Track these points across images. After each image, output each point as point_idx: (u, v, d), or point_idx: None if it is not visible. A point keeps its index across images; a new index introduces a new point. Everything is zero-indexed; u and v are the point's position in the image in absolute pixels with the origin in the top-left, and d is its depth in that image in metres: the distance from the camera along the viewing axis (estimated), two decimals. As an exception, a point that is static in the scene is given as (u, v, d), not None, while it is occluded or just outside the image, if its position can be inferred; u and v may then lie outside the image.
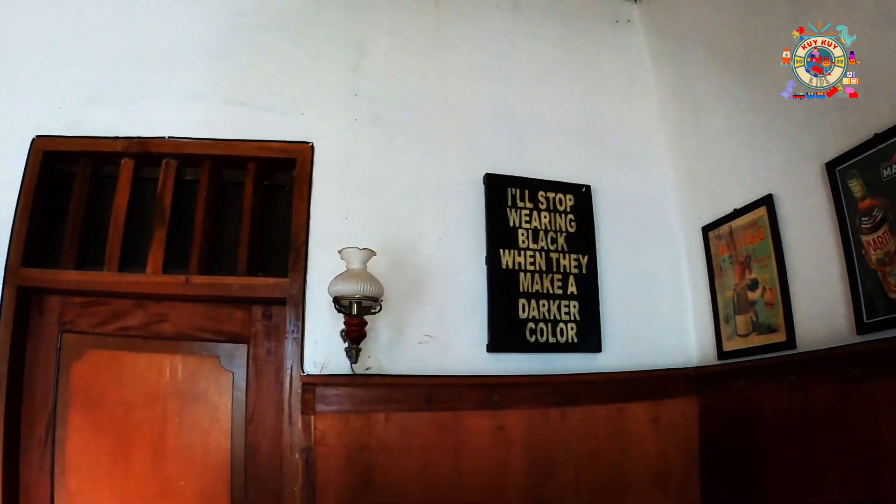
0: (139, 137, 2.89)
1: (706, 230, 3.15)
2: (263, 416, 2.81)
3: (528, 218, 3.11)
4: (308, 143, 2.99)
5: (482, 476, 2.77)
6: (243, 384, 2.84)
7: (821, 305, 2.50)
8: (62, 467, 2.70)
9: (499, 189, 3.10)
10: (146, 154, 2.91)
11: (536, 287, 3.04)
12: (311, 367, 2.74)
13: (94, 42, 3.00)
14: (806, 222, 2.59)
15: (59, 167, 2.93)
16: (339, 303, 2.65)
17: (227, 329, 2.87)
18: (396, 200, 3.03)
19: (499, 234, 3.05)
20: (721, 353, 3.02)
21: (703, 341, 3.18)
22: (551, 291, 3.06)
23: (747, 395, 2.80)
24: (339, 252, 2.65)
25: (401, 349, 2.84)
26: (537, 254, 3.08)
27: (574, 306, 3.07)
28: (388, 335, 2.85)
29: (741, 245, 2.91)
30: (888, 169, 2.20)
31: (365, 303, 2.63)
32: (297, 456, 2.64)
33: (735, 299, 2.94)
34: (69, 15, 3.02)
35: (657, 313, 3.24)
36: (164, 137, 2.91)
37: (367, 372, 2.76)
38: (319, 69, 3.14)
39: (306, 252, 2.85)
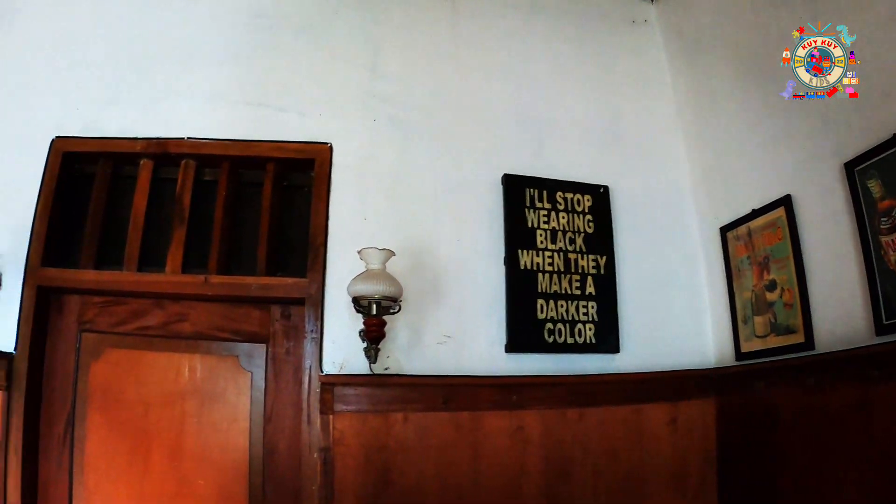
0: (158, 138, 2.98)
1: (724, 231, 3.18)
2: (282, 415, 2.88)
3: (546, 218, 3.17)
4: (326, 143, 3.07)
5: (500, 476, 2.83)
6: (262, 384, 2.91)
7: (839, 306, 2.52)
8: (81, 465, 2.77)
9: (517, 190, 3.16)
10: (165, 155, 3.00)
11: (555, 287, 3.10)
12: (329, 367, 2.81)
13: (112, 43, 3.10)
14: (824, 223, 2.61)
15: (78, 168, 3.01)
16: (359, 303, 2.71)
17: (246, 329, 2.95)
18: (415, 201, 3.09)
19: (517, 235, 3.11)
20: (739, 355, 3.05)
21: (720, 342, 3.21)
22: (569, 292, 3.11)
23: (765, 396, 2.82)
24: (359, 252, 2.71)
25: (419, 349, 2.91)
26: (555, 254, 3.14)
27: (592, 307, 3.13)
28: (407, 335, 2.91)
29: (759, 246, 2.94)
30: (907, 169, 2.22)
31: (384, 303, 2.70)
32: (315, 455, 2.70)
33: (753, 300, 2.97)
34: (88, 16, 3.12)
35: (675, 314, 3.29)
36: (182, 138, 2.99)
37: (386, 372, 2.83)
38: (337, 70, 3.22)
39: (325, 252, 2.92)
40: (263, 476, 2.84)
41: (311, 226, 2.97)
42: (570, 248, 3.19)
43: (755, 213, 2.97)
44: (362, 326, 2.75)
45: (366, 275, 2.68)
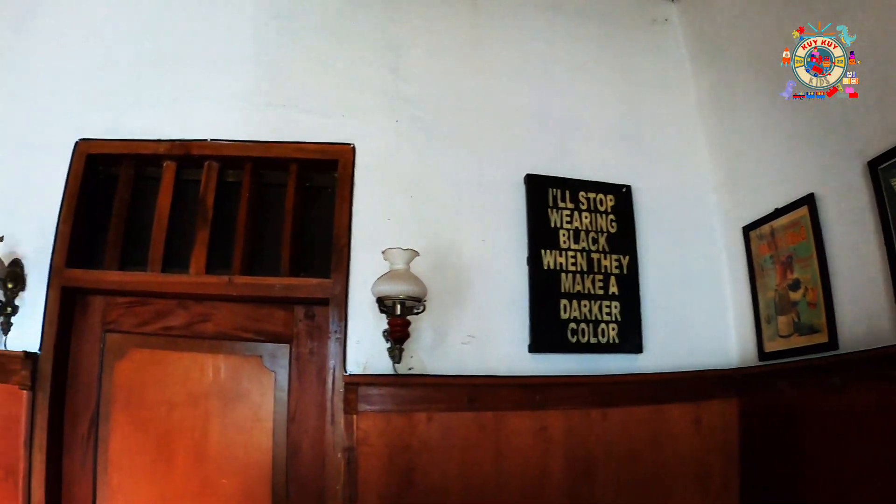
0: (181, 140, 3.08)
1: (747, 230, 3.21)
2: (306, 415, 2.96)
3: (569, 218, 3.24)
4: (349, 144, 3.15)
5: (523, 476, 2.89)
6: (285, 384, 3.00)
7: (863, 306, 2.54)
8: (104, 464, 2.87)
9: (540, 190, 3.23)
10: (188, 156, 3.09)
11: (578, 287, 3.16)
12: (353, 367, 2.88)
13: (135, 45, 3.21)
14: (848, 222, 2.64)
15: (102, 169, 3.12)
16: (383, 303, 2.78)
17: (270, 329, 3.03)
18: (438, 201, 3.17)
19: (540, 235, 3.18)
20: (762, 355, 3.08)
21: (744, 342, 3.25)
22: (593, 292, 3.18)
23: (789, 396, 2.85)
24: (383, 253, 2.79)
25: (443, 349, 2.97)
26: (578, 254, 3.21)
27: (615, 307, 3.19)
28: (431, 335, 2.98)
29: (782, 245, 2.97)
30: (932, 167, 2.26)
31: (408, 303, 2.77)
32: (339, 455, 2.77)
33: (776, 300, 3.00)
34: (110, 19, 3.24)
35: (698, 314, 3.33)
36: (205, 140, 3.09)
37: (410, 372, 2.90)
38: (359, 71, 3.31)
39: (349, 252, 3.00)
40: (287, 476, 2.91)
41: (334, 226, 3.04)
42: (592, 247, 3.25)
43: (778, 212, 3.00)
44: (386, 326, 2.83)
45: (390, 275, 2.75)
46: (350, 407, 2.82)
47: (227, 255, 3.04)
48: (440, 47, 3.44)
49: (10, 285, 2.85)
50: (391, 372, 2.86)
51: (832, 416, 2.61)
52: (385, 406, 2.85)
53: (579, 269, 3.20)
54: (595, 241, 3.26)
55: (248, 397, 3.00)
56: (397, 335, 2.79)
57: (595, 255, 3.24)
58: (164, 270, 2.98)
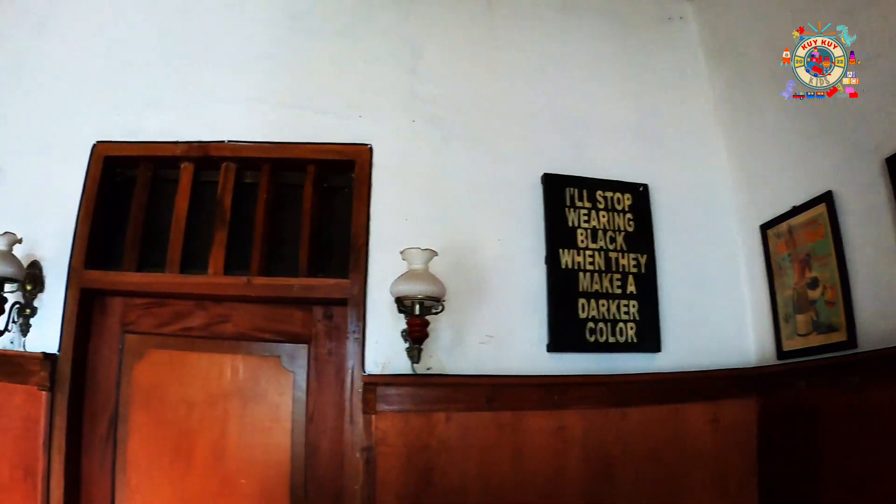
0: (198, 142, 3.15)
1: (764, 228, 3.23)
2: (324, 415, 3.01)
3: (586, 217, 3.27)
4: (366, 144, 3.21)
5: (541, 476, 2.92)
6: (304, 384, 3.05)
7: (883, 304, 2.55)
8: (123, 464, 2.93)
9: (557, 189, 3.27)
10: (206, 158, 3.16)
11: (596, 287, 3.20)
12: (371, 367, 2.93)
13: (151, 48, 3.29)
14: (867, 219, 2.64)
15: (119, 172, 3.19)
16: (402, 303, 2.82)
17: (288, 329, 3.09)
18: (455, 201, 3.21)
19: (558, 234, 3.21)
20: (781, 353, 3.09)
21: (761, 341, 3.26)
22: (610, 291, 3.21)
23: (807, 395, 2.86)
24: (402, 253, 2.83)
25: (462, 349, 3.02)
26: (596, 253, 3.24)
27: (633, 306, 3.22)
28: (449, 335, 3.02)
29: (800, 243, 2.98)
30: (951, 163, 2.27)
31: (427, 303, 2.80)
32: (357, 455, 2.82)
33: (795, 298, 3.01)
34: (127, 22, 3.32)
35: (716, 312, 3.35)
36: (223, 141, 3.16)
37: (429, 372, 2.94)
38: (375, 71, 3.36)
39: (366, 253, 3.05)
40: (305, 475, 2.96)
41: (352, 226, 3.09)
42: (610, 246, 3.28)
43: (796, 210, 3.01)
44: (404, 326, 2.87)
45: (409, 275, 2.79)
46: (368, 407, 2.86)
47: (246, 255, 3.09)
48: (456, 47, 3.49)
49: (28, 287, 2.92)
50: (410, 372, 2.91)
51: (852, 415, 2.62)
52: (403, 406, 2.89)
53: (597, 268, 3.23)
54: (613, 240, 3.30)
55: (266, 397, 3.05)
56: (416, 335, 2.82)
57: (613, 255, 3.28)
58: (182, 272, 3.04)
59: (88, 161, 3.10)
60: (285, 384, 3.06)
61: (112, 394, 3.00)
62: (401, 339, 2.94)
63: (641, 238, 3.35)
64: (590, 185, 3.33)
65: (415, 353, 2.87)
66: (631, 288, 3.26)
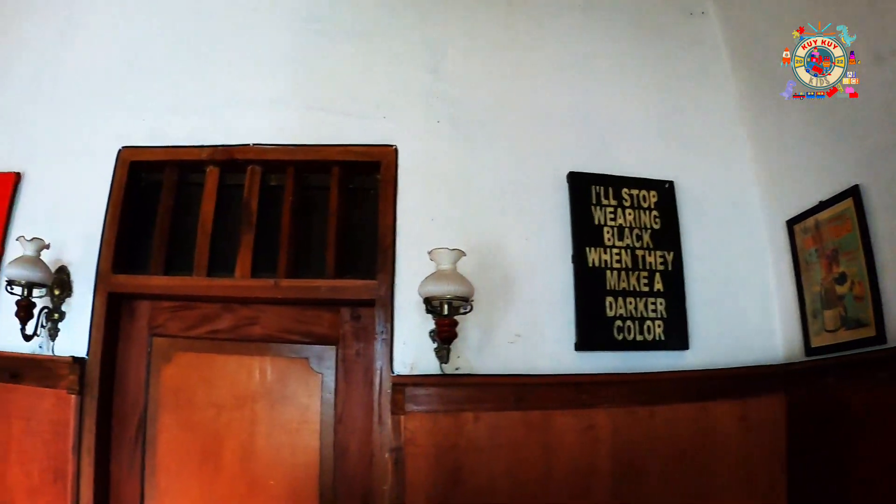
0: (224, 145, 3.23)
1: (791, 224, 3.24)
2: (352, 416, 3.08)
3: (612, 215, 3.31)
4: (391, 145, 3.27)
5: (570, 475, 2.95)
6: (332, 385, 3.11)
7: None
8: (152, 467, 3.02)
9: (583, 187, 3.31)
10: (231, 161, 3.23)
11: (623, 285, 3.23)
12: (400, 368, 2.99)
13: (175, 52, 3.38)
14: (894, 213, 2.63)
15: (145, 176, 3.28)
16: (430, 303, 2.87)
17: (316, 331, 3.16)
18: (481, 201, 3.26)
19: (584, 232, 3.25)
20: (809, 350, 3.10)
21: (789, 337, 3.27)
22: (638, 289, 3.24)
23: (836, 391, 2.86)
24: (429, 253, 2.88)
25: (490, 349, 3.06)
26: (623, 251, 3.28)
27: (661, 303, 3.25)
28: (478, 335, 3.07)
29: (828, 238, 2.99)
30: (979, 155, 2.28)
31: (455, 303, 2.84)
32: (386, 456, 2.88)
33: (823, 294, 3.02)
34: (150, 27, 3.42)
35: (743, 309, 3.36)
36: (248, 144, 3.24)
37: (457, 372, 3.00)
38: (398, 72, 3.43)
39: (393, 253, 3.11)
40: (334, 476, 3.03)
41: (379, 227, 3.15)
42: (637, 244, 3.31)
43: (822, 205, 3.01)
44: (432, 327, 2.92)
45: (437, 275, 2.84)
46: (397, 407, 2.91)
47: (273, 258, 3.15)
48: (477, 47, 3.54)
49: (56, 292, 3.02)
50: (438, 372, 2.96)
51: (881, 411, 2.61)
52: (432, 406, 2.94)
53: (624, 266, 3.27)
54: (639, 237, 3.33)
55: (295, 399, 3.12)
56: (444, 335, 2.86)
57: (639, 252, 3.31)
58: (209, 275, 3.11)
59: (114, 166, 3.20)
60: (314, 386, 3.12)
61: (140, 396, 3.08)
62: (429, 340, 3.00)
63: (668, 235, 3.37)
64: (615, 183, 3.37)
65: (443, 354, 2.92)
66: (658, 285, 3.29)
